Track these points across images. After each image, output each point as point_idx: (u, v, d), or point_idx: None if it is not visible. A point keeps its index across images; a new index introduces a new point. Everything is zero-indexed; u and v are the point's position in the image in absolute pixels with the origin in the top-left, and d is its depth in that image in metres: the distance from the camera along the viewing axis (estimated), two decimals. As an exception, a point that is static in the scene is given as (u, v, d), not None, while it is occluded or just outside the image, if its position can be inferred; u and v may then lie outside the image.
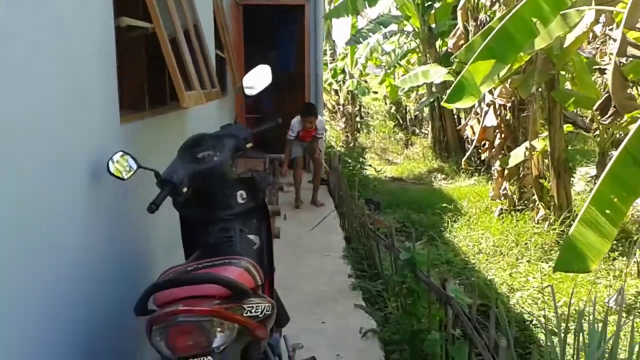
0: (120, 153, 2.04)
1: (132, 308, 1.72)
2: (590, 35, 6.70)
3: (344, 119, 15.00)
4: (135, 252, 2.58)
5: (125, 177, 2.05)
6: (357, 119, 15.35)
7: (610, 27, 6.14)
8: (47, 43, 1.72)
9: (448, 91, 4.57)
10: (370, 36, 12.22)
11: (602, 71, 6.88)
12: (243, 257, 1.94)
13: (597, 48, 7.88)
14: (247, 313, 1.74)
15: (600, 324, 2.61)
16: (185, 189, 2.06)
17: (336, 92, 15.59)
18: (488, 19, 7.44)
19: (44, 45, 1.70)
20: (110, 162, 2.00)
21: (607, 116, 4.91)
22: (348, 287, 4.20)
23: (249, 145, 2.42)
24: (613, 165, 3.26)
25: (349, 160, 9.26)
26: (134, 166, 2.08)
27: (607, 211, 3.09)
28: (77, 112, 1.94)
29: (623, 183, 3.23)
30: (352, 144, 14.11)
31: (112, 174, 2.00)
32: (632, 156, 3.24)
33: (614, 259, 5.58)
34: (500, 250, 6.08)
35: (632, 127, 3.37)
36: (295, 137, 6.73)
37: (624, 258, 5.54)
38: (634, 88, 5.72)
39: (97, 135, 2.12)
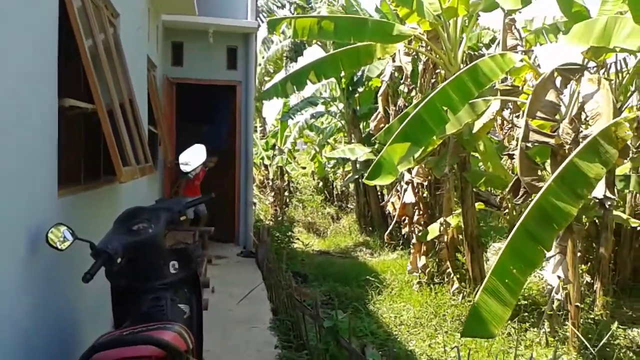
0: (58, 225, 2.16)
1: None
2: (499, 120, 7.40)
3: (272, 193, 15.26)
4: (68, 319, 2.62)
5: (62, 248, 2.15)
6: (286, 193, 15.66)
7: (517, 114, 6.85)
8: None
9: (369, 169, 4.94)
10: (301, 114, 12.85)
11: (511, 156, 7.54)
12: (176, 322, 2.06)
13: (506, 133, 8.68)
14: None
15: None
16: (119, 260, 2.17)
17: (266, 167, 15.93)
18: (406, 104, 8.08)
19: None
20: (48, 234, 2.10)
21: (519, 197, 5.40)
22: (275, 359, 4.27)
23: (183, 218, 2.57)
24: (511, 240, 3.65)
25: (277, 234, 9.42)
26: (70, 238, 2.19)
27: (507, 281, 3.43)
28: (19, 186, 2.06)
29: (521, 256, 3.61)
30: (280, 217, 14.31)
31: (50, 245, 2.10)
32: (528, 232, 3.65)
33: (526, 330, 5.96)
34: (421, 322, 6.34)
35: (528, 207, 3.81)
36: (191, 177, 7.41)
37: (534, 329, 5.94)
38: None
39: (37, 208, 2.23)
